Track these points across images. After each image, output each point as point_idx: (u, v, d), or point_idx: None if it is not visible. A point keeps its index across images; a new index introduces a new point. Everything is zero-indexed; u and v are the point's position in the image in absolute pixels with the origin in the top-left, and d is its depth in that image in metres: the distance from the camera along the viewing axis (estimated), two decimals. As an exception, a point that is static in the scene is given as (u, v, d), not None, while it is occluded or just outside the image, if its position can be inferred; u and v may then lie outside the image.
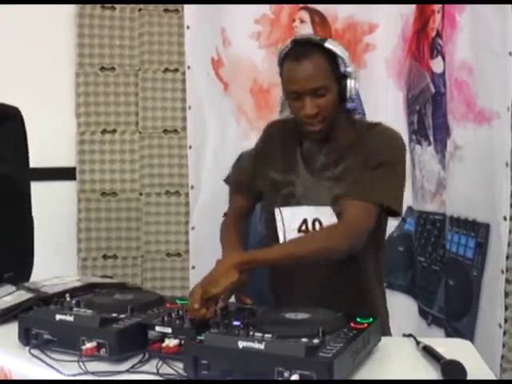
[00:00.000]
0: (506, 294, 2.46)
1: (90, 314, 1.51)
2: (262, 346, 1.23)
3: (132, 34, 3.14)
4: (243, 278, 1.62)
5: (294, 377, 1.19)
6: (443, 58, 2.69)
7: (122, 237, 3.18)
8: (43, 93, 2.99)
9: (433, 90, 2.77)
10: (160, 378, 1.33)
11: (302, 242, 1.77)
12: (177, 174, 3.17)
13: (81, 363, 1.36)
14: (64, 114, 3.11)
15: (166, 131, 3.17)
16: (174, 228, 3.20)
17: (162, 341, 1.42)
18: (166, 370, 1.35)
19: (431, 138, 2.80)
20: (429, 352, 1.42)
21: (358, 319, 1.44)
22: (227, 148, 3.10)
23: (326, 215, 1.80)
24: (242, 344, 1.25)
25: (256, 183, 2.00)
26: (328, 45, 1.75)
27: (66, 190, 3.14)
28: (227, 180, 3.00)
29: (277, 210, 1.88)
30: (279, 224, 1.87)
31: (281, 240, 1.86)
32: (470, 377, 1.29)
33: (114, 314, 1.50)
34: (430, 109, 2.79)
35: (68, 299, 1.62)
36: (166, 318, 1.46)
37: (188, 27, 3.07)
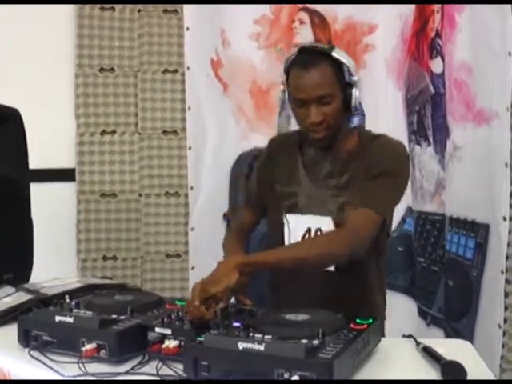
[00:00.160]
0: (506, 295, 2.46)
1: (89, 315, 1.50)
2: (262, 347, 1.23)
3: (131, 35, 3.14)
4: (244, 280, 1.62)
5: (294, 378, 1.19)
6: (442, 59, 2.69)
7: (121, 238, 3.18)
8: (42, 94, 2.99)
9: (432, 90, 2.77)
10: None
11: (303, 246, 1.79)
12: (176, 175, 3.17)
13: (80, 365, 1.36)
14: (63, 115, 3.11)
15: (165, 132, 3.16)
16: (174, 229, 3.20)
17: (162, 342, 1.42)
18: (165, 371, 1.35)
19: (431, 139, 2.80)
20: (429, 353, 1.42)
21: (358, 320, 1.44)
22: (227, 149, 3.10)
23: (328, 225, 1.81)
24: (242, 345, 1.25)
25: (262, 198, 2.03)
26: (335, 54, 1.76)
27: (65, 191, 3.14)
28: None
29: (284, 217, 1.90)
30: (286, 230, 1.89)
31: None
32: (469, 377, 1.29)
33: (114, 316, 1.50)
34: (429, 109, 2.80)
35: (68, 301, 1.62)
36: (165, 320, 1.46)
37: (187, 28, 3.07)
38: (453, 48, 2.60)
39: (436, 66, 2.75)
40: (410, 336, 1.56)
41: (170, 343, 1.40)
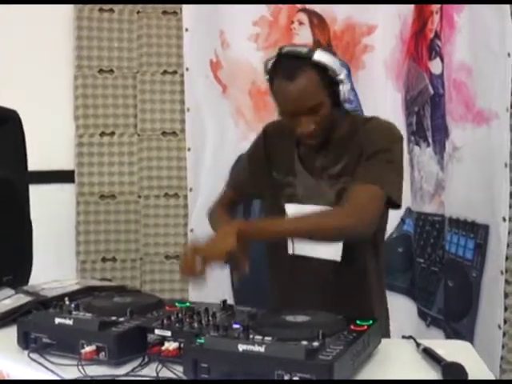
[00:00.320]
0: (506, 295, 2.46)
1: (89, 317, 1.50)
2: (262, 349, 1.22)
3: (130, 37, 3.14)
4: (243, 246, 1.58)
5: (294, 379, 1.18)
6: (441, 59, 2.69)
7: (120, 239, 3.18)
8: (42, 95, 2.99)
9: (431, 91, 2.77)
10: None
11: (308, 218, 1.72)
12: (175, 177, 3.17)
13: (80, 367, 1.36)
14: (62, 116, 3.11)
15: (164, 133, 3.16)
16: (173, 230, 3.20)
17: (162, 344, 1.41)
18: (165, 373, 1.35)
19: (430, 139, 2.80)
20: (429, 354, 1.42)
21: (358, 321, 1.43)
22: (226, 150, 3.10)
23: None
24: (242, 347, 1.24)
25: (253, 184, 2.00)
26: (317, 57, 1.70)
27: (64, 192, 3.14)
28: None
29: (286, 206, 1.88)
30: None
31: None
32: (470, 378, 1.28)
33: (114, 318, 1.49)
34: (428, 110, 2.79)
35: (67, 303, 1.61)
36: (165, 321, 1.45)
37: (186, 29, 3.08)
38: (452, 49, 2.60)
39: (435, 66, 2.74)
40: (410, 337, 1.55)
41: (170, 345, 1.39)
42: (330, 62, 1.73)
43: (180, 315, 1.49)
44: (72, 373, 1.36)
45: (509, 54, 2.34)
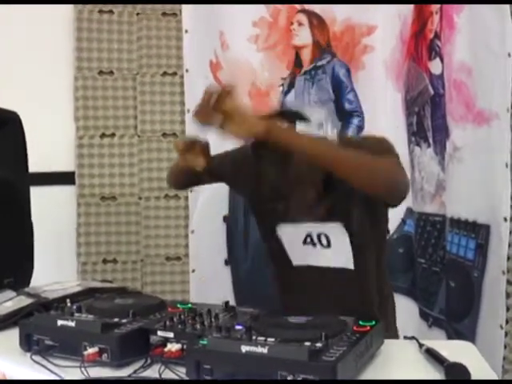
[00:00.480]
0: (507, 295, 2.46)
1: (91, 319, 1.50)
2: (265, 350, 1.22)
3: (130, 38, 3.14)
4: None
5: (298, 381, 1.18)
6: (441, 60, 2.69)
7: (121, 241, 3.18)
8: (42, 97, 2.99)
9: (431, 91, 2.76)
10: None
11: (346, 149, 1.63)
12: (176, 178, 3.17)
13: (83, 369, 1.36)
14: (62, 118, 3.11)
15: (164, 135, 3.16)
16: (174, 232, 3.20)
17: (164, 345, 1.41)
18: (168, 374, 1.34)
19: (430, 140, 2.80)
20: (432, 355, 1.41)
21: (361, 322, 1.43)
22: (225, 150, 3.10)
23: (332, 229, 1.78)
24: (244, 348, 1.24)
25: (233, 182, 2.01)
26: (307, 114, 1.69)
27: (65, 194, 3.13)
28: None
29: (278, 228, 1.85)
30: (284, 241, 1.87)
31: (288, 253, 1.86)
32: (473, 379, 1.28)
33: (116, 319, 1.49)
34: (428, 110, 2.79)
35: (69, 304, 1.61)
36: (167, 323, 1.45)
37: (186, 31, 3.07)
38: (452, 49, 2.60)
39: (435, 67, 2.74)
40: (412, 338, 1.55)
41: (173, 346, 1.39)
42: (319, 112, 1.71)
43: (182, 316, 1.49)
44: (74, 375, 1.35)
45: (509, 54, 2.34)
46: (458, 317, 2.65)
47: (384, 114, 2.90)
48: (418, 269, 2.90)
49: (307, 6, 3.02)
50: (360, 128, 2.91)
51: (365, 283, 1.87)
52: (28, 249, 2.23)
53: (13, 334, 1.55)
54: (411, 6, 2.82)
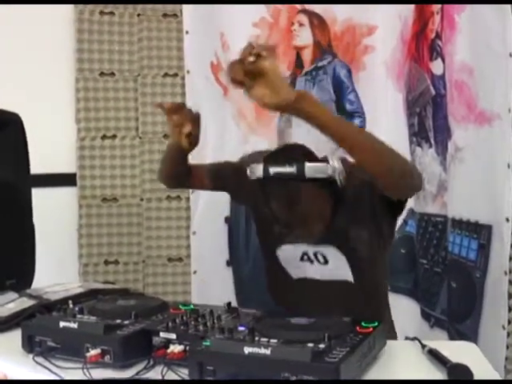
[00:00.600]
0: (510, 296, 2.45)
1: (93, 320, 1.50)
2: (268, 352, 1.22)
3: (131, 40, 3.15)
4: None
5: (301, 382, 1.18)
6: (443, 60, 2.69)
7: (123, 242, 3.18)
8: (43, 98, 2.99)
9: (433, 91, 2.76)
10: None
11: (369, 135, 1.58)
12: (177, 179, 3.17)
13: (85, 370, 1.36)
14: (64, 119, 3.11)
15: (166, 136, 3.16)
16: (175, 233, 3.20)
17: (167, 347, 1.41)
18: (171, 376, 1.35)
19: (432, 140, 2.80)
20: (435, 355, 1.41)
21: (364, 323, 1.43)
22: (227, 152, 3.09)
23: (329, 249, 1.79)
24: (247, 349, 1.24)
25: (235, 191, 2.01)
26: (308, 173, 1.63)
27: (66, 196, 3.14)
28: None
29: (278, 251, 1.86)
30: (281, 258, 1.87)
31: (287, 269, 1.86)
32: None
33: (118, 321, 1.49)
34: (430, 111, 2.79)
35: (71, 306, 1.61)
36: (170, 324, 1.45)
37: (187, 32, 3.08)
38: (453, 49, 2.59)
39: (436, 67, 2.74)
40: (414, 338, 1.55)
41: (175, 348, 1.39)
42: (323, 170, 1.66)
43: (185, 318, 1.49)
44: (77, 376, 1.35)
45: (510, 54, 2.33)
46: (460, 317, 2.64)
47: (385, 115, 2.90)
48: (420, 269, 2.90)
49: (308, 7, 3.02)
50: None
51: (372, 284, 1.87)
52: (30, 250, 2.23)
53: (15, 336, 1.56)
54: (412, 7, 2.81)
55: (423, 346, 1.48)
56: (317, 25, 3.03)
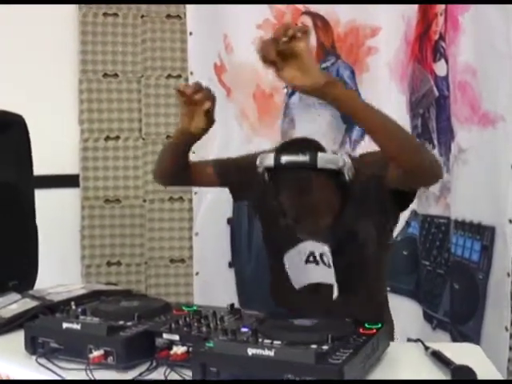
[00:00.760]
0: (513, 297, 2.45)
1: (96, 321, 1.50)
2: (271, 353, 1.22)
3: (135, 41, 3.15)
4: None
5: (304, 383, 1.18)
6: (446, 61, 2.68)
7: (125, 243, 3.18)
8: (46, 100, 2.99)
9: (436, 93, 2.76)
10: None
11: (396, 123, 1.57)
12: (180, 180, 3.17)
13: (88, 371, 1.36)
14: (67, 120, 3.11)
15: (169, 137, 3.15)
16: (178, 234, 3.20)
17: (170, 348, 1.40)
18: (174, 377, 1.35)
19: (435, 141, 2.79)
20: (438, 357, 1.41)
21: (367, 325, 1.43)
22: (230, 153, 3.07)
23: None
24: (251, 351, 1.23)
25: (239, 186, 1.97)
26: (320, 164, 1.63)
27: (69, 197, 3.14)
28: None
29: (285, 258, 1.84)
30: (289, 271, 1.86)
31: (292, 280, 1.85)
32: (481, 382, 1.28)
33: (121, 322, 1.49)
34: (433, 112, 2.79)
35: (74, 307, 1.61)
36: (173, 325, 1.45)
37: (190, 33, 3.08)
38: (456, 50, 2.59)
39: (440, 68, 2.74)
40: (418, 340, 1.55)
41: (178, 349, 1.38)
42: (334, 161, 1.67)
43: (188, 319, 1.49)
44: (80, 377, 1.35)
45: (514, 55, 2.33)
46: (463, 319, 2.64)
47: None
48: (423, 271, 2.90)
49: (311, 9, 3.02)
50: (364, 130, 2.90)
51: (374, 283, 1.87)
52: (32, 251, 2.23)
53: (18, 337, 1.55)
54: (415, 8, 2.81)
55: (426, 348, 1.48)
56: (320, 26, 3.03)
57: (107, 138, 3.15)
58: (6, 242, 2.07)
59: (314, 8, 3.02)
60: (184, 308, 1.63)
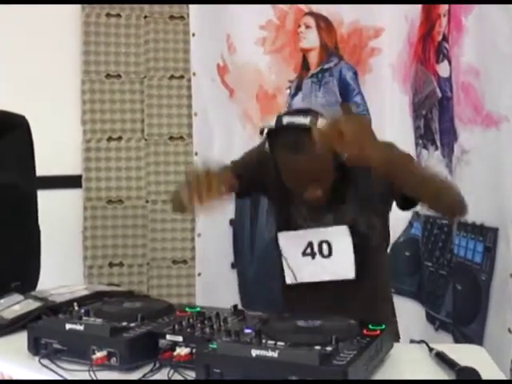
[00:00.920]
0: (516, 298, 2.45)
1: (99, 322, 1.50)
2: (275, 354, 1.21)
3: (137, 42, 3.16)
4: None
5: (308, 385, 1.18)
6: (449, 62, 2.68)
7: (128, 244, 3.18)
8: (49, 100, 3.00)
9: (439, 94, 2.75)
10: None
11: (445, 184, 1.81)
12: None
13: (91, 372, 1.35)
14: (70, 121, 3.12)
15: (171, 138, 3.17)
16: (180, 235, 3.20)
17: (173, 349, 1.40)
18: (177, 378, 1.34)
19: (438, 143, 2.79)
20: (442, 359, 1.41)
21: (371, 326, 1.43)
22: (233, 154, 3.07)
23: (336, 235, 1.79)
24: (255, 352, 1.23)
25: (251, 185, 1.96)
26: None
27: (72, 197, 3.14)
28: None
29: (279, 235, 1.86)
30: (282, 251, 1.86)
31: (284, 267, 1.85)
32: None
33: (124, 323, 1.49)
34: (436, 113, 2.78)
35: (76, 308, 1.61)
36: (176, 327, 1.45)
37: (193, 34, 3.08)
38: (460, 51, 2.58)
39: (443, 69, 2.73)
40: (421, 341, 1.54)
41: (182, 350, 1.38)
42: None
43: (191, 320, 1.49)
44: (83, 378, 1.35)
45: (517, 55, 2.33)
46: (466, 320, 2.63)
47: (391, 117, 2.90)
48: (425, 272, 2.89)
49: (314, 9, 3.02)
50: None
51: (370, 290, 1.86)
52: (35, 252, 2.23)
53: (21, 338, 1.56)
54: (419, 9, 2.80)
55: (430, 349, 1.48)
56: (323, 27, 3.03)
57: (109, 139, 3.15)
58: (9, 242, 2.07)
59: (317, 8, 3.02)
60: (187, 309, 1.63)
